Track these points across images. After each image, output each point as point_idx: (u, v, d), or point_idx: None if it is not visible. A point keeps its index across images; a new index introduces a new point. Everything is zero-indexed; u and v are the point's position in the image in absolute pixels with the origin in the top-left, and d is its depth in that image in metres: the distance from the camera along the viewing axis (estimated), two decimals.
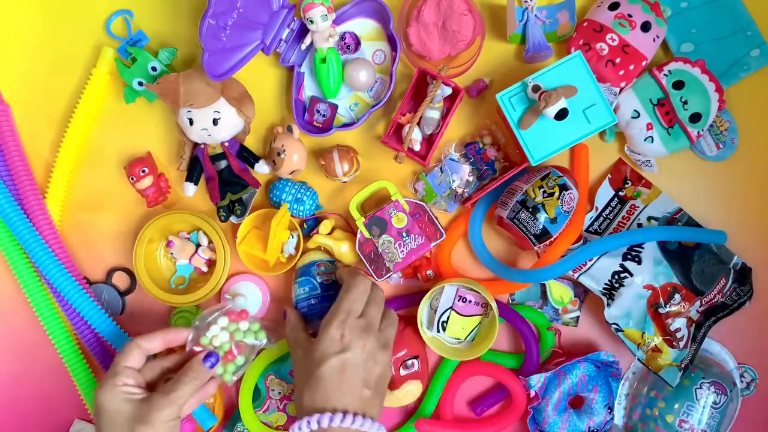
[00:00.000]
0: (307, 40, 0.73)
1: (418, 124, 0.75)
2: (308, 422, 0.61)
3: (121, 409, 0.61)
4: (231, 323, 0.68)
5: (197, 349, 0.67)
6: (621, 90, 0.74)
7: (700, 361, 0.77)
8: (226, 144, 0.76)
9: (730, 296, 0.76)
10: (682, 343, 0.73)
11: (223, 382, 0.68)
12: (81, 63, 0.80)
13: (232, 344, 0.68)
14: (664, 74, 0.73)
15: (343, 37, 0.76)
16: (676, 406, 0.75)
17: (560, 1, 0.75)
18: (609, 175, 0.78)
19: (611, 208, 0.78)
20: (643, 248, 0.75)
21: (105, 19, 0.79)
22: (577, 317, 0.80)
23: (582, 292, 0.79)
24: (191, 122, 0.73)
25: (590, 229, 0.78)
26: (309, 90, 0.78)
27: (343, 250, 0.77)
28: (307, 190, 0.78)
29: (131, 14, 0.78)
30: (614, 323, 0.74)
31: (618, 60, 0.72)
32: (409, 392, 0.77)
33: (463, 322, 0.77)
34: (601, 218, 0.78)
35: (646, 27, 0.72)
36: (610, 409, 0.78)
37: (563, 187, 0.71)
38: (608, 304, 0.74)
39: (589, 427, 0.77)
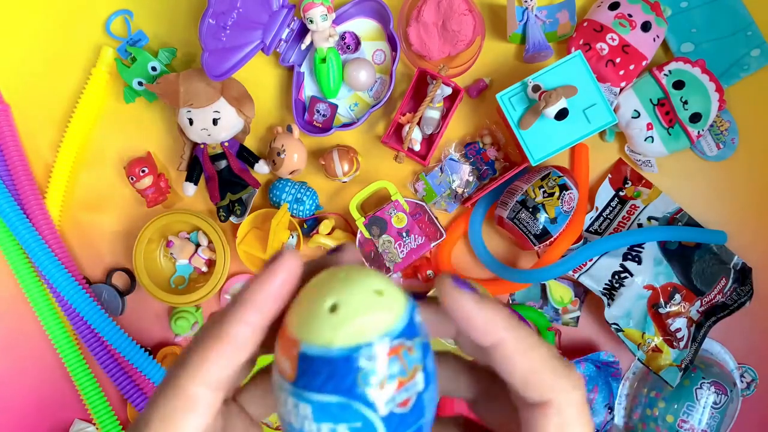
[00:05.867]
0: (307, 40, 0.73)
1: (418, 124, 0.74)
2: None
3: None
4: None
5: None
6: (621, 90, 0.74)
7: (701, 361, 0.77)
8: (226, 144, 0.76)
9: (730, 296, 0.76)
10: (682, 343, 0.73)
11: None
12: (81, 63, 0.80)
13: None
14: (665, 74, 0.73)
15: (343, 37, 0.76)
16: (676, 406, 0.75)
17: (560, 0, 0.75)
18: (609, 175, 0.78)
19: (611, 208, 0.78)
20: (643, 248, 0.75)
21: (105, 19, 0.79)
22: (577, 317, 0.80)
23: (582, 292, 0.79)
24: (191, 122, 0.73)
25: (590, 229, 0.78)
26: (309, 90, 0.78)
27: None
28: (307, 190, 0.78)
29: (131, 14, 0.78)
30: (614, 323, 0.74)
31: (618, 60, 0.72)
32: None
33: None
34: (601, 218, 0.78)
35: (646, 27, 0.72)
36: (610, 409, 0.78)
37: (563, 187, 0.71)
38: (608, 304, 0.74)
39: None
